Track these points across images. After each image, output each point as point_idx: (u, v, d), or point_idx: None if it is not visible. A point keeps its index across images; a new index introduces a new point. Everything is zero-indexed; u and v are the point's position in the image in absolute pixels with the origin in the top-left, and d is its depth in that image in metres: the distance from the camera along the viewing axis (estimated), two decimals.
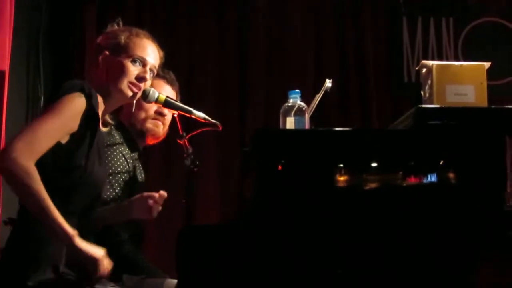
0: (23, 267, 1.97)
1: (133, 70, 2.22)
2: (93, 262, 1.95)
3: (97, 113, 2.09)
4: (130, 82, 2.20)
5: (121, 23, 2.34)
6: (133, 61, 2.22)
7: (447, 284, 1.98)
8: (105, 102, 2.19)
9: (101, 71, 2.22)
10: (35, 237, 1.99)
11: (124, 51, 2.22)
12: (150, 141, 2.73)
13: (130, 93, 2.21)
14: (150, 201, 2.26)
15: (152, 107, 2.64)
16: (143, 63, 2.24)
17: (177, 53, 4.28)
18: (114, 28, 2.32)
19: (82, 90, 2.05)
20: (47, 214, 1.92)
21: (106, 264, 1.98)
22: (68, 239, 1.93)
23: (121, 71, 2.20)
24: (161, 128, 2.71)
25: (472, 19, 4.54)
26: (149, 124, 2.67)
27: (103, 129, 2.25)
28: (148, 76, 2.25)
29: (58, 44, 4.05)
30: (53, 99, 2.05)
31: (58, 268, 1.99)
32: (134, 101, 2.30)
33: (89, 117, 2.06)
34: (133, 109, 2.55)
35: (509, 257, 2.40)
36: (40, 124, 1.99)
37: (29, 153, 1.93)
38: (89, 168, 2.06)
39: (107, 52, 2.23)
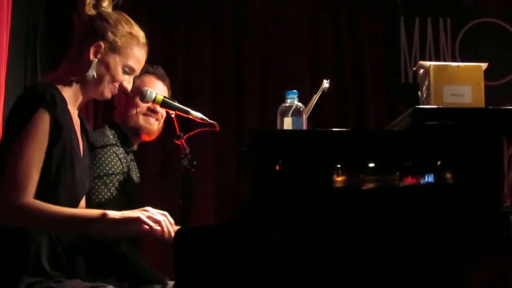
0: (12, 271, 1.95)
1: (121, 77, 2.16)
2: (138, 223, 1.95)
3: (61, 123, 1.99)
4: (113, 86, 2.16)
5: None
6: (124, 67, 2.16)
7: (443, 284, 1.98)
8: (81, 93, 2.13)
9: (87, 62, 2.10)
10: (21, 240, 1.97)
11: (118, 53, 2.14)
12: (145, 138, 2.72)
13: (108, 97, 2.18)
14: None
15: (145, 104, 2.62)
16: (131, 73, 2.20)
17: (174, 53, 4.28)
18: (114, 15, 2.16)
19: (44, 102, 1.95)
20: (69, 226, 1.94)
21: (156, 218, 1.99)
22: (103, 220, 1.91)
23: (111, 74, 2.13)
24: (155, 125, 2.70)
25: (470, 19, 4.55)
26: (142, 121, 2.66)
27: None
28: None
29: (55, 44, 4.04)
30: (16, 111, 1.99)
31: (46, 269, 1.97)
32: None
33: (55, 128, 1.98)
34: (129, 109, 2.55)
35: (506, 258, 2.40)
36: (18, 157, 1.90)
37: (19, 191, 1.88)
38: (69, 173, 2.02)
39: (102, 44, 2.11)
